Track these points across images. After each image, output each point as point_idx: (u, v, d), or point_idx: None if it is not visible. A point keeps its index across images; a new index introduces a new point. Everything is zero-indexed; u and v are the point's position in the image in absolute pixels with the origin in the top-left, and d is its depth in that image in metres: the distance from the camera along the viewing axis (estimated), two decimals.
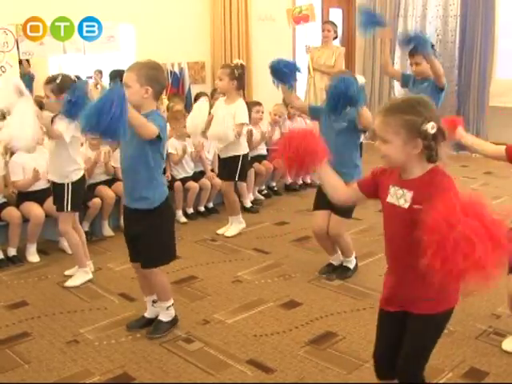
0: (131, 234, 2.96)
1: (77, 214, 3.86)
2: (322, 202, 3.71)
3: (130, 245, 3.02)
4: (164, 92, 5.70)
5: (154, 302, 3.07)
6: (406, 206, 1.86)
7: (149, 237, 2.88)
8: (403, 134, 1.81)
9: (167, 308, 3.03)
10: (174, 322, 3.07)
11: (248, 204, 5.33)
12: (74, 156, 3.62)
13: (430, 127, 1.79)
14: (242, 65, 4.65)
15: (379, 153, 1.90)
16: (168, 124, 4.19)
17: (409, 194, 1.86)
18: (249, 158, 4.81)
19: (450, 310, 1.96)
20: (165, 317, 3.03)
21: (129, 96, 2.70)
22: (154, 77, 2.79)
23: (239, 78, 4.44)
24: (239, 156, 4.56)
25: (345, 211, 3.57)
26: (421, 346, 1.98)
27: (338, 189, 2.14)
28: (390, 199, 1.93)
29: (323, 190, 2.20)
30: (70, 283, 3.71)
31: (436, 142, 1.82)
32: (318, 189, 3.75)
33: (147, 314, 3.11)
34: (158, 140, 2.74)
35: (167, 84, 6.37)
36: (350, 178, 3.50)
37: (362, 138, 4.95)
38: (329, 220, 3.62)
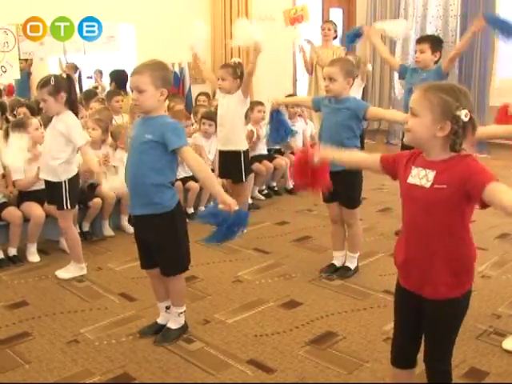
0: (144, 240, 2.88)
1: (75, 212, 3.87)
2: (328, 195, 3.72)
3: (142, 251, 2.93)
4: None
5: (167, 307, 3.02)
6: (428, 185, 1.86)
7: (167, 244, 2.79)
8: (436, 112, 1.82)
9: (179, 314, 2.98)
10: (183, 329, 3.01)
11: (249, 201, 5.35)
12: (73, 156, 3.63)
13: (464, 114, 1.80)
14: (240, 63, 4.67)
15: (406, 125, 1.91)
16: None
17: (431, 174, 1.86)
18: (249, 156, 4.80)
19: (468, 292, 1.96)
20: (174, 324, 2.99)
21: (144, 101, 2.68)
22: (167, 78, 2.74)
23: (241, 76, 4.45)
24: (240, 153, 4.55)
25: (352, 200, 3.67)
26: (445, 331, 1.98)
27: (356, 156, 2.31)
28: (410, 180, 1.93)
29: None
30: (60, 273, 3.74)
31: (464, 131, 1.82)
32: None
33: (160, 320, 3.05)
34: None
35: None
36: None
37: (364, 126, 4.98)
38: (340, 209, 3.71)
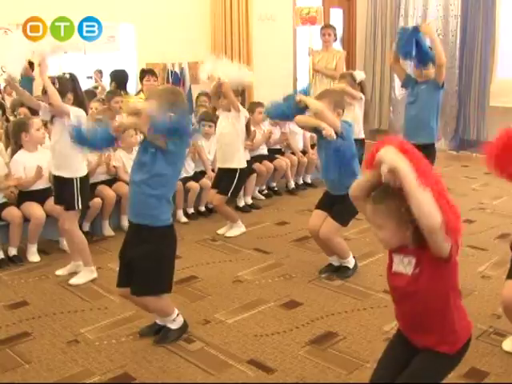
0: (126, 256, 2.84)
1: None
2: (324, 202, 3.73)
3: (122, 267, 2.89)
4: None
5: None
6: (410, 272, 1.88)
7: (146, 261, 2.75)
8: (396, 218, 1.82)
9: (173, 320, 2.97)
10: (183, 329, 3.00)
11: (241, 203, 5.35)
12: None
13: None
14: None
15: (378, 238, 1.92)
16: None
17: (413, 260, 1.88)
18: (246, 176, 4.79)
19: (463, 348, 1.97)
20: (173, 325, 2.98)
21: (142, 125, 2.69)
22: (176, 104, 2.70)
23: (242, 93, 4.51)
24: (236, 170, 4.55)
25: (341, 217, 3.60)
26: (428, 375, 1.96)
27: None
28: (395, 268, 1.94)
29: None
30: (74, 281, 3.71)
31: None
32: (324, 191, 3.81)
33: (159, 321, 3.04)
34: (170, 154, 2.68)
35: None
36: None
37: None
38: (323, 220, 3.65)
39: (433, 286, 1.85)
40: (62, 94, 3.50)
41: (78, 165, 3.63)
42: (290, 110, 3.58)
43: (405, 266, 1.90)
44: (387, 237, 1.88)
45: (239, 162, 4.57)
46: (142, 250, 2.75)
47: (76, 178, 3.61)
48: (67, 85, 3.57)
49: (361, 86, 5.16)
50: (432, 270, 1.84)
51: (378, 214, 1.86)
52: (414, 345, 1.98)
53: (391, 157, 1.74)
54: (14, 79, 3.44)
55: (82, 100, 3.67)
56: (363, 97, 5.13)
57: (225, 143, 4.52)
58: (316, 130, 3.56)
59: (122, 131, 2.84)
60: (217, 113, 4.77)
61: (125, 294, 2.89)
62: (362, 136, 5.29)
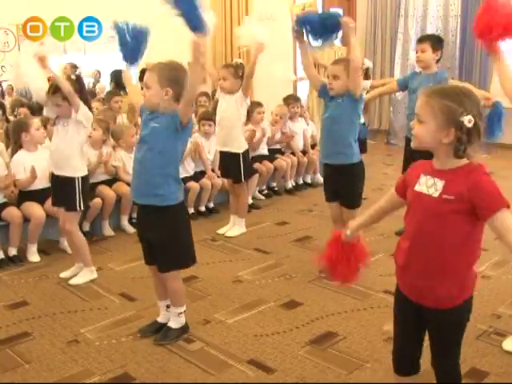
0: (145, 237, 2.91)
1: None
2: (329, 194, 3.75)
3: (144, 247, 2.96)
4: None
5: (167, 306, 3.03)
6: (436, 194, 1.83)
7: (163, 239, 2.81)
8: (440, 118, 1.79)
9: (179, 314, 2.98)
10: (184, 329, 3.01)
11: (249, 201, 5.36)
12: (82, 147, 3.62)
13: (467, 120, 1.76)
14: (241, 64, 4.67)
15: (412, 131, 1.89)
16: None
17: (440, 183, 1.83)
18: (249, 156, 4.80)
19: (469, 298, 1.94)
20: (174, 324, 2.99)
21: (149, 97, 2.78)
22: (175, 78, 2.76)
23: (242, 76, 4.46)
24: (238, 155, 4.55)
25: (354, 201, 3.65)
26: (450, 337, 1.96)
27: (385, 209, 2.15)
28: (417, 187, 1.90)
29: None
30: (73, 281, 3.71)
31: (469, 137, 1.78)
32: (324, 175, 3.88)
33: (160, 319, 3.05)
34: (186, 128, 2.73)
35: None
36: (346, 159, 3.56)
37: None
38: (341, 209, 3.70)
39: (459, 222, 1.80)
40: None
41: (80, 164, 3.63)
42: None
43: (428, 187, 1.86)
44: (423, 133, 1.84)
45: (240, 146, 4.56)
46: (157, 231, 2.80)
47: (78, 178, 3.60)
48: (74, 85, 3.58)
49: (366, 74, 5.14)
50: (463, 206, 1.78)
51: (423, 107, 1.83)
52: (417, 304, 1.95)
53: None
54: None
55: (86, 100, 3.67)
56: (369, 83, 5.09)
57: (226, 126, 4.49)
58: (325, 93, 3.57)
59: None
60: (216, 95, 4.76)
61: (154, 270, 2.96)
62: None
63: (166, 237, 2.81)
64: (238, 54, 7.58)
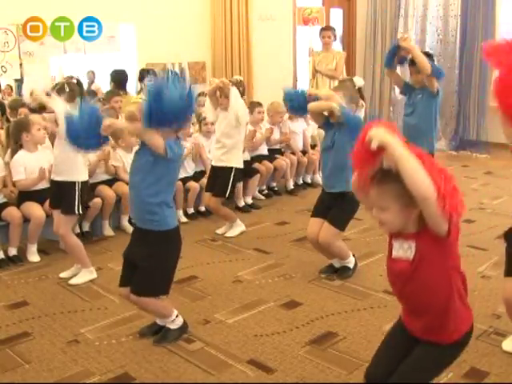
0: (130, 254, 2.88)
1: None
2: (319, 209, 3.72)
3: (124, 266, 2.92)
4: None
5: None
6: (412, 256, 1.87)
7: (150, 263, 2.77)
8: (400, 201, 1.80)
9: (172, 321, 2.97)
10: (182, 329, 3.00)
11: (241, 203, 5.35)
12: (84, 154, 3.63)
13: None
14: (241, 81, 4.68)
15: (379, 221, 1.90)
16: None
17: (413, 245, 1.86)
18: (241, 175, 4.75)
19: (456, 343, 1.95)
20: (173, 325, 2.98)
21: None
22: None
23: (242, 93, 4.50)
24: (231, 169, 4.52)
25: (339, 221, 3.60)
26: (420, 371, 1.95)
27: None
28: (395, 254, 1.94)
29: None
30: (73, 281, 3.72)
31: None
32: (319, 195, 3.80)
33: (159, 321, 3.04)
34: (169, 161, 2.69)
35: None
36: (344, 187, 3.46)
37: None
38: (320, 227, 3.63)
39: (433, 265, 1.84)
40: (72, 98, 3.53)
41: (81, 169, 3.64)
42: (304, 103, 3.68)
43: (405, 250, 1.89)
44: (390, 219, 1.85)
45: (236, 161, 4.54)
46: (146, 252, 2.78)
47: (78, 182, 3.62)
48: (76, 90, 3.62)
49: (360, 93, 5.15)
50: (431, 248, 1.82)
51: (381, 196, 1.84)
52: (413, 335, 1.97)
53: (380, 133, 1.73)
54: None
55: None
56: (364, 104, 5.10)
57: (224, 143, 4.50)
58: (326, 122, 3.62)
59: (110, 132, 2.80)
60: (215, 112, 4.76)
61: (126, 293, 2.90)
62: None
63: (154, 261, 2.77)
64: (238, 54, 7.57)
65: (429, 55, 4.46)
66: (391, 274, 1.99)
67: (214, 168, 4.64)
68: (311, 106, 3.63)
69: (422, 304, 1.91)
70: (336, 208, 3.59)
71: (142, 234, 2.84)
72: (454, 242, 1.85)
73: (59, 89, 3.57)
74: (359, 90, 5.21)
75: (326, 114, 3.60)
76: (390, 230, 1.91)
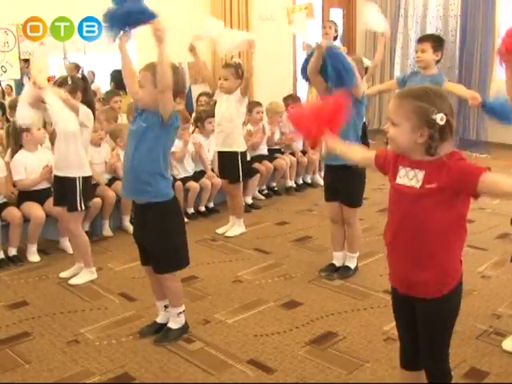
0: (138, 237, 2.94)
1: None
2: (330, 194, 3.75)
3: (139, 248, 2.98)
4: None
5: (165, 306, 3.03)
6: (418, 185, 1.86)
7: (155, 239, 2.82)
8: (413, 119, 1.81)
9: (178, 314, 2.98)
10: (183, 329, 3.01)
11: (249, 201, 5.36)
12: (85, 148, 3.63)
13: (439, 118, 1.78)
14: (240, 63, 4.68)
15: (388, 135, 1.91)
16: None
17: (421, 174, 1.86)
18: (247, 157, 4.80)
19: (456, 288, 1.95)
20: (174, 324, 2.99)
21: (142, 96, 2.78)
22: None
23: (242, 76, 4.46)
24: (237, 153, 4.54)
25: (353, 200, 3.68)
26: (436, 330, 1.97)
27: (356, 153, 2.26)
28: (399, 181, 1.92)
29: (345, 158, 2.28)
30: (73, 281, 3.72)
31: (441, 135, 1.81)
32: (324, 177, 3.91)
33: (159, 320, 3.05)
34: (170, 126, 2.74)
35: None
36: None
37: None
38: (341, 208, 3.70)
39: (443, 209, 1.83)
40: (74, 91, 3.50)
41: (81, 164, 3.63)
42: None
43: (410, 179, 1.88)
44: (398, 135, 1.86)
45: (239, 145, 4.56)
46: (150, 231, 2.82)
47: (79, 178, 3.61)
48: (79, 83, 3.60)
49: (366, 72, 5.17)
50: (449, 193, 1.81)
51: (396, 110, 1.86)
52: (410, 299, 1.97)
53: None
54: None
55: (90, 100, 3.68)
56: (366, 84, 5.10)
57: (227, 126, 4.49)
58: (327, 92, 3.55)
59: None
60: (214, 96, 4.77)
61: (149, 271, 2.97)
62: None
63: (158, 237, 2.81)
64: (238, 54, 7.56)
65: (441, 40, 4.34)
66: (394, 202, 1.97)
67: (219, 153, 4.68)
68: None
69: (421, 247, 1.88)
70: (345, 186, 3.61)
71: (140, 211, 2.87)
72: (467, 207, 1.88)
73: (62, 81, 3.55)
74: (366, 69, 5.23)
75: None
76: (397, 147, 1.90)
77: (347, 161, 2.30)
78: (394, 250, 1.99)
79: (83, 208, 3.66)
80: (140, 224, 2.91)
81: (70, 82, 3.51)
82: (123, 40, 2.77)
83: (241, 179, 4.62)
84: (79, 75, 3.80)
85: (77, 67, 6.64)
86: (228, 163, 4.58)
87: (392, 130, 1.88)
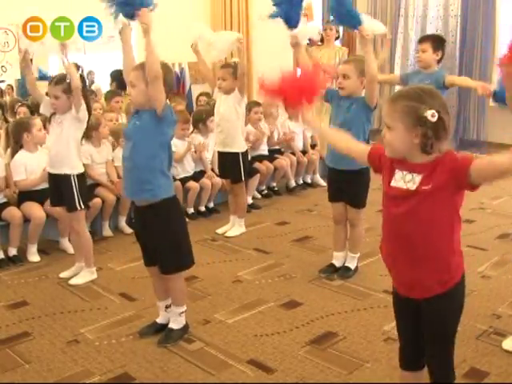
0: (142, 238, 2.93)
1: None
2: (334, 194, 3.74)
3: (142, 248, 2.97)
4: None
5: (167, 307, 3.03)
6: (414, 187, 1.85)
7: (159, 239, 2.82)
8: (406, 120, 1.81)
9: (180, 314, 2.98)
10: (185, 329, 3.01)
11: (249, 201, 5.36)
12: (79, 146, 3.63)
13: (430, 114, 1.77)
14: (236, 63, 4.68)
15: (384, 140, 1.91)
16: None
17: (418, 177, 1.85)
18: (248, 157, 4.80)
19: (458, 284, 1.95)
20: (176, 324, 2.98)
21: (135, 96, 2.78)
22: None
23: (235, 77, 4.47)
24: (238, 154, 4.54)
25: (358, 202, 3.66)
26: (441, 329, 1.97)
27: (345, 141, 2.25)
28: (394, 183, 1.92)
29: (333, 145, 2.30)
30: (73, 281, 3.72)
31: (435, 132, 1.80)
32: (328, 181, 3.88)
33: (159, 320, 3.05)
34: (165, 119, 2.73)
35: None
36: (352, 165, 3.36)
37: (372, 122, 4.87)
38: (346, 209, 3.70)
39: (440, 206, 1.84)
40: (70, 90, 3.49)
41: (75, 162, 3.62)
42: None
43: (406, 182, 1.88)
44: (394, 139, 1.86)
45: (239, 145, 4.56)
46: (153, 232, 2.81)
47: (73, 175, 3.60)
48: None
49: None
50: (444, 192, 1.82)
51: (389, 113, 1.87)
52: (413, 300, 1.97)
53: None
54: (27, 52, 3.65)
55: (87, 100, 3.67)
56: None
57: (226, 127, 4.49)
58: (336, 95, 3.58)
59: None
60: (213, 96, 4.77)
61: (153, 272, 2.97)
62: None
63: (162, 237, 2.81)
64: (238, 55, 7.57)
65: (442, 39, 4.36)
66: (390, 205, 1.94)
67: (219, 154, 4.68)
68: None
69: (421, 247, 1.88)
70: (350, 187, 3.60)
71: (141, 212, 2.86)
72: (461, 200, 1.88)
73: (59, 78, 3.55)
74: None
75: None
76: (395, 152, 1.90)
77: (332, 146, 2.33)
78: (392, 256, 1.98)
79: (83, 207, 3.66)
80: (142, 225, 2.90)
81: (67, 81, 3.50)
82: (124, 29, 2.80)
83: (243, 178, 4.62)
84: (77, 74, 3.78)
85: (76, 67, 6.63)
86: (229, 164, 4.58)
87: (388, 135, 1.88)
